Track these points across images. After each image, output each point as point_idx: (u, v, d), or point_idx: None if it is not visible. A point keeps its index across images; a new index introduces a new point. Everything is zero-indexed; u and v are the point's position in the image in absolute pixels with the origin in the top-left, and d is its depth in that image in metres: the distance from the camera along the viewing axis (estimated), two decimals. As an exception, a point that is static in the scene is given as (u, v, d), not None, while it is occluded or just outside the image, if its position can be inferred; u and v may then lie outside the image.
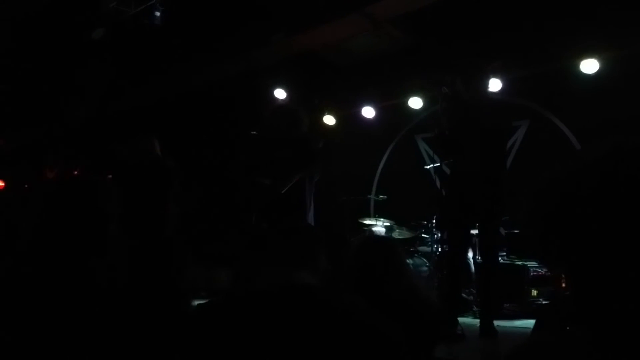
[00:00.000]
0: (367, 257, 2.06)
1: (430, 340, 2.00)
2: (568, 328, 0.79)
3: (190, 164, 6.71)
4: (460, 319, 3.99)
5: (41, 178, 8.29)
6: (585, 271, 0.72)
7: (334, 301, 1.35)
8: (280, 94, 7.07)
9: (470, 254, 5.08)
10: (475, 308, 4.79)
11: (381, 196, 6.56)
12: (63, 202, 1.45)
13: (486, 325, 3.82)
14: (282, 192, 3.92)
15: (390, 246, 2.19)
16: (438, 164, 4.93)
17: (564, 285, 5.06)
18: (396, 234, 5.96)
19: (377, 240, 2.25)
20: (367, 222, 6.16)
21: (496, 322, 3.91)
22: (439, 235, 5.31)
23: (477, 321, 4.06)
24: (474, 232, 4.36)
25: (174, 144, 5.82)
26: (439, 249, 5.28)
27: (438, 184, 5.77)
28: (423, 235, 5.81)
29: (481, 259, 4.24)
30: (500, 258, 5.31)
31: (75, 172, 7.63)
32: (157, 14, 5.90)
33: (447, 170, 4.68)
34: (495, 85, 5.87)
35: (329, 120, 7.37)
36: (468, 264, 5.03)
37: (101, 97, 7.98)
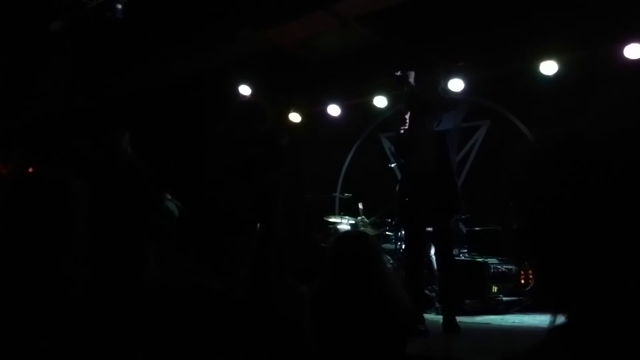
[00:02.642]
0: (345, 254, 2.05)
1: (404, 336, 2.01)
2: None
3: (155, 161, 6.58)
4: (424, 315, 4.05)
5: (-5, 174, 8.01)
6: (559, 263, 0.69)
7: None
8: (245, 90, 7.02)
9: (432, 251, 5.15)
10: (437, 304, 4.86)
11: (346, 194, 6.60)
12: (29, 200, 1.41)
13: (449, 321, 3.89)
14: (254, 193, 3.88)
15: (368, 242, 2.17)
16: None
17: (523, 282, 5.21)
18: (361, 232, 6.00)
19: (355, 237, 2.24)
20: (332, 219, 6.18)
21: (457, 318, 3.98)
22: (402, 232, 5.37)
23: (439, 317, 4.13)
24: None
25: (138, 140, 5.70)
26: (403, 246, 5.34)
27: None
28: (387, 232, 5.87)
29: (437, 256, 4.31)
30: (461, 255, 5.43)
31: (31, 169, 7.40)
32: (119, 6, 5.76)
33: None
34: (457, 85, 5.99)
35: (295, 117, 7.36)
36: (430, 261, 5.11)
37: (60, 91, 7.75)
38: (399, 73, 4.13)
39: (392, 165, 6.08)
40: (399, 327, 1.94)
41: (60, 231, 1.40)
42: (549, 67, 5.63)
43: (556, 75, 5.62)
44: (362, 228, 6.05)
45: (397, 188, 4.30)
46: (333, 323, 1.84)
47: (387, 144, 7.06)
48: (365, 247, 2.08)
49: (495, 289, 5.05)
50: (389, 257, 5.60)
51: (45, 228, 1.39)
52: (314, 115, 7.38)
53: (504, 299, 5.02)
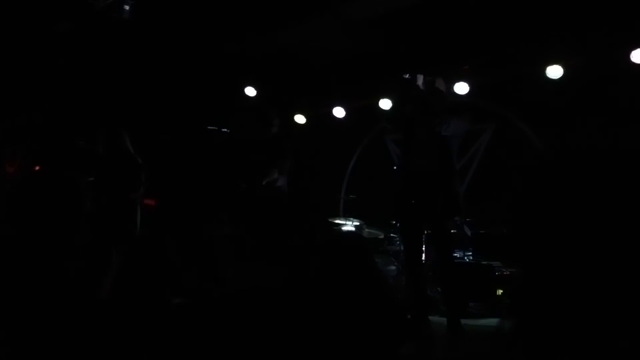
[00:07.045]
0: (335, 254, 2.05)
1: (395, 339, 2.01)
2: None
3: (158, 160, 6.61)
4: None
5: (1, 172, 8.04)
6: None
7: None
8: (251, 91, 7.03)
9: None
10: (442, 306, 4.86)
11: (351, 196, 6.60)
12: (39, 198, 1.42)
13: (454, 324, 3.89)
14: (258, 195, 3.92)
15: (359, 243, 2.18)
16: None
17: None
18: (365, 234, 6.02)
19: (345, 237, 2.25)
20: (337, 221, 6.19)
21: (462, 321, 3.98)
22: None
23: (443, 320, 4.13)
24: None
25: (141, 139, 5.72)
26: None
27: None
28: (392, 235, 5.87)
29: (437, 258, 4.32)
30: (466, 258, 5.44)
31: (37, 167, 7.43)
32: (127, 7, 5.80)
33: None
34: (462, 88, 6.01)
35: (300, 119, 7.37)
36: (434, 263, 5.10)
37: (67, 90, 7.78)
38: (407, 76, 4.15)
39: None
40: (390, 329, 1.94)
41: (68, 228, 1.41)
42: (554, 71, 5.63)
43: (562, 79, 5.63)
44: (366, 230, 6.07)
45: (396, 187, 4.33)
46: (322, 316, 1.84)
47: (391, 147, 7.07)
48: (353, 248, 2.08)
49: (499, 291, 5.05)
50: (393, 259, 5.62)
51: (54, 225, 1.40)
52: (319, 117, 7.39)
53: (509, 302, 5.01)
